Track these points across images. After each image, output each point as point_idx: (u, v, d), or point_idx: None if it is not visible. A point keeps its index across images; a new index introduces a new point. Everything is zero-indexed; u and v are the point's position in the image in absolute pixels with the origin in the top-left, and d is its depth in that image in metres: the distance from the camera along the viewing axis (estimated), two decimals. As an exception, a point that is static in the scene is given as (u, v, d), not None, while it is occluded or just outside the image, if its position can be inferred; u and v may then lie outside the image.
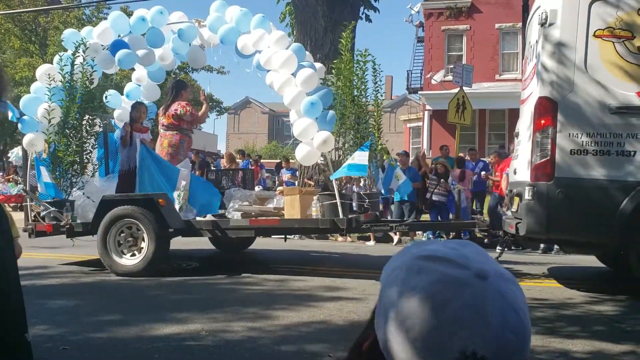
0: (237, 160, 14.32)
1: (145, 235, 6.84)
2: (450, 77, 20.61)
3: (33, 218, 7.36)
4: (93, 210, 7.26)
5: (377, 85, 7.41)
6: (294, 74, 6.75)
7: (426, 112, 25.51)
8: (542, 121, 5.68)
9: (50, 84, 7.25)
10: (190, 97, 8.35)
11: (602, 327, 4.79)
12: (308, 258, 8.78)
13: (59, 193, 7.38)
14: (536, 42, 6.06)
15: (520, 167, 6.37)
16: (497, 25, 24.48)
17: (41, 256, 8.16)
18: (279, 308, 5.22)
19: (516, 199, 6.26)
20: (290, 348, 4.12)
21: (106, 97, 8.81)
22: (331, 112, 6.70)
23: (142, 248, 6.86)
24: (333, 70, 7.00)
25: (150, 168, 7.39)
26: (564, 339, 4.34)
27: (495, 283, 0.67)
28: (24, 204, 7.73)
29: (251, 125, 60.43)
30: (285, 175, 14.32)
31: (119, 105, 8.65)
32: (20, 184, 18.67)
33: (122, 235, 6.97)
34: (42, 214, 7.32)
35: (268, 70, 7.09)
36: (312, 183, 10.59)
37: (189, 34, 7.64)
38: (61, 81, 7.26)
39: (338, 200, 6.60)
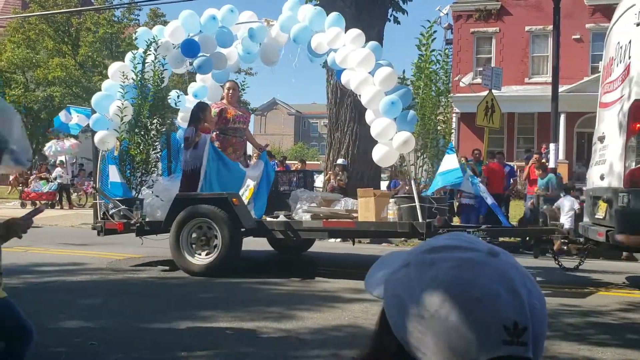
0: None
1: (217, 234, 6.77)
2: (478, 80, 20.40)
3: (102, 216, 7.32)
4: (161, 208, 7.21)
5: (446, 85, 7.29)
6: (371, 73, 6.64)
7: (454, 115, 25.34)
8: (638, 125, 5.53)
9: (123, 82, 7.20)
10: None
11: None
12: (336, 260, 8.68)
13: (127, 192, 7.33)
14: (629, 42, 5.90)
15: (608, 172, 6.21)
16: (527, 28, 24.26)
17: (75, 253, 8.35)
18: (304, 309, 5.24)
19: (603, 205, 6.10)
20: (316, 351, 4.11)
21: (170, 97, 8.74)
22: (412, 112, 6.56)
23: (215, 247, 6.80)
24: (412, 69, 6.86)
25: (220, 167, 7.33)
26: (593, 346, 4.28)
27: (506, 258, 0.71)
28: (94, 201, 7.69)
29: (278, 126, 60.42)
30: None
31: (183, 106, 8.51)
32: (51, 181, 18.79)
33: (195, 234, 6.91)
34: (111, 212, 7.28)
35: (343, 69, 6.99)
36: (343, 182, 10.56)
37: (260, 34, 7.54)
38: (133, 79, 7.21)
39: (417, 204, 6.48)
